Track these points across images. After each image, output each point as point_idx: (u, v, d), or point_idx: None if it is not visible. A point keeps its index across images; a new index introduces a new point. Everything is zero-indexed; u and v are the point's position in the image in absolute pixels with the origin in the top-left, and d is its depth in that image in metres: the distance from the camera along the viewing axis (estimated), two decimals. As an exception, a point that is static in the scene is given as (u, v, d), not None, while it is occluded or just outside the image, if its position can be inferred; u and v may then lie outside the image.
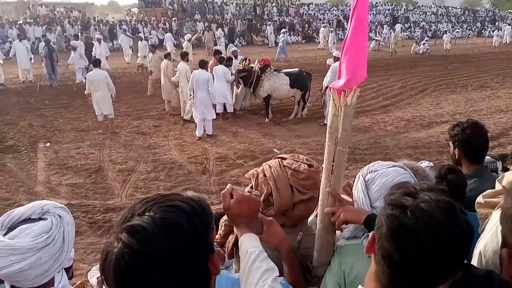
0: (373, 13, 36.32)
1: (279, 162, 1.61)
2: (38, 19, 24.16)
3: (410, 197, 0.96)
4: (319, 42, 27.60)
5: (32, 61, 14.20)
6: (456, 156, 2.57)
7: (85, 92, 9.15)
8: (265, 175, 1.57)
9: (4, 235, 1.20)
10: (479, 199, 1.51)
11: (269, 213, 1.50)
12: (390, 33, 25.73)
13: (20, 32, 18.98)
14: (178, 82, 10.11)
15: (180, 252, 0.85)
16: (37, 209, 1.25)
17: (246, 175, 1.67)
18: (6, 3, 38.77)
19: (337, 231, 1.46)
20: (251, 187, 1.61)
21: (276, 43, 24.28)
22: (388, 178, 1.38)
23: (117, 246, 0.83)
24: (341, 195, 1.43)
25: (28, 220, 1.23)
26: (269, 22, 28.18)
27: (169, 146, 8.54)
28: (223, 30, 24.40)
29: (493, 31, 30.56)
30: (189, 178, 6.96)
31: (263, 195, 1.52)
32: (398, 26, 34.89)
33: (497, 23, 42.80)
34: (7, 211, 4.24)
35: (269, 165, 1.61)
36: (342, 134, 1.31)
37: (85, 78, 12.86)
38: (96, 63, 9.31)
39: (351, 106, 1.30)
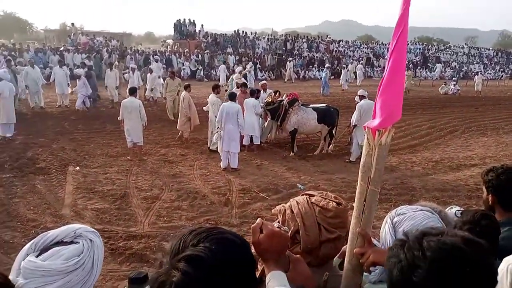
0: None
1: (307, 199, 1.59)
2: (78, 47, 25.32)
3: (432, 235, 1.00)
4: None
5: (70, 87, 14.81)
6: (490, 202, 2.49)
7: (118, 118, 9.43)
8: (292, 212, 1.55)
9: (37, 256, 1.22)
10: None
11: (295, 251, 1.47)
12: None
13: (61, 59, 19.90)
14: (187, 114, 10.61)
15: (235, 280, 0.91)
16: (70, 232, 1.28)
17: (273, 210, 1.66)
18: (49, 31, 41.05)
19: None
20: (278, 222, 1.59)
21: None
22: (416, 221, 1.38)
23: (176, 275, 0.87)
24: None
25: (60, 243, 1.26)
26: (289, 58, 28.25)
27: (194, 176, 8.60)
28: (254, 64, 24.88)
29: None
30: (211, 209, 6.94)
31: (290, 232, 1.49)
32: (438, 66, 34.95)
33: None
34: (33, 232, 4.31)
35: (296, 201, 1.60)
36: (375, 174, 1.30)
37: (84, 105, 13.62)
38: (132, 91, 9.62)
39: (385, 146, 1.28)
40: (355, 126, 9.85)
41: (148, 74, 16.40)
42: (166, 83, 13.65)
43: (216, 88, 10.42)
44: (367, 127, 1.33)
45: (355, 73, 28.08)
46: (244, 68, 19.73)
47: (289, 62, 27.08)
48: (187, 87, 11.12)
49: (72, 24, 33.39)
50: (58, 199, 7.10)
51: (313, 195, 1.62)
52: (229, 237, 0.98)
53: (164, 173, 8.65)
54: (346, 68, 25.14)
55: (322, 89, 21.28)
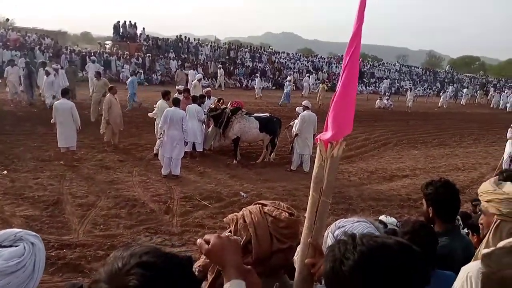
0: (338, 67, 37.91)
1: (259, 209, 1.59)
2: (8, 43, 23.66)
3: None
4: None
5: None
6: (430, 214, 2.62)
7: (51, 121, 8.91)
8: (245, 221, 1.54)
9: None
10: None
11: (247, 261, 1.47)
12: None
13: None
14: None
15: None
16: (10, 235, 1.23)
17: (224, 219, 1.64)
18: (-26, 25, 38.01)
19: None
20: (230, 232, 1.57)
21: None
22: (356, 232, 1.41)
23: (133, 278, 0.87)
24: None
25: None
26: (219, 66, 27.95)
27: (133, 182, 8.34)
28: (197, 70, 24.69)
29: (443, 93, 32.41)
30: (151, 217, 6.74)
31: (242, 241, 1.49)
32: (385, 82, 36.78)
33: (454, 85, 45.79)
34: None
35: (249, 211, 1.59)
36: (327, 185, 1.33)
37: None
38: (64, 92, 9.08)
39: (336, 158, 1.33)
40: (296, 135, 10.09)
41: (44, 77, 14.25)
42: (93, 83, 13.40)
43: (166, 95, 10.16)
44: (320, 139, 1.36)
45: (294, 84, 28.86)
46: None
47: (219, 69, 27.27)
48: (111, 89, 10.69)
49: (7, 19, 31.21)
50: (-18, 205, 6.56)
51: (265, 205, 1.62)
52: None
53: (100, 179, 8.30)
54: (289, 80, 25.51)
55: (282, 99, 21.27)
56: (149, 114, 10.51)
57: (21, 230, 1.28)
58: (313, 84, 30.53)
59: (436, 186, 2.59)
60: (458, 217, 3.89)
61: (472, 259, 1.78)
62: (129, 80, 15.79)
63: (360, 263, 0.97)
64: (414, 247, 1.04)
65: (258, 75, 27.10)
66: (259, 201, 1.68)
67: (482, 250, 1.77)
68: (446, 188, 2.58)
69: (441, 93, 32.63)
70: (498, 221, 1.74)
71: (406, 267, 0.97)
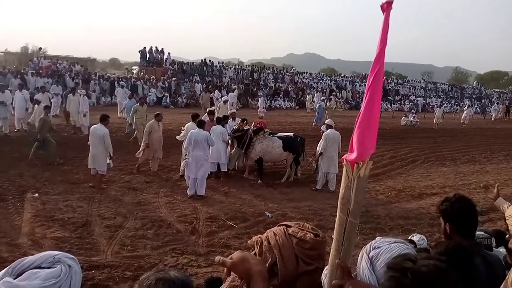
0: (362, 85, 37.72)
1: (284, 230, 1.58)
2: (40, 71, 24.67)
3: (410, 261, 1.05)
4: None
5: (29, 111, 14.33)
6: (448, 231, 2.57)
7: (88, 143, 9.19)
8: (269, 243, 1.53)
9: (14, 279, 1.20)
10: None
11: (273, 284, 1.46)
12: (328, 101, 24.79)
13: (22, 82, 19.29)
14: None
15: None
16: (49, 258, 1.27)
17: (249, 241, 1.64)
18: (9, 53, 39.86)
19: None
20: (254, 254, 1.57)
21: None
22: (392, 254, 1.38)
23: None
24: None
25: (38, 267, 1.25)
26: (233, 87, 27.60)
27: (159, 204, 8.43)
28: (221, 92, 25.05)
29: (466, 108, 31.59)
30: (177, 238, 6.79)
31: (267, 264, 1.48)
32: (419, 100, 36.58)
33: (482, 101, 44.69)
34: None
35: (273, 233, 1.58)
36: (354, 206, 1.32)
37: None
38: (102, 119, 9.23)
39: (363, 179, 1.32)
40: (320, 154, 10.04)
41: (36, 106, 13.95)
42: (135, 109, 13.44)
43: (196, 117, 10.20)
44: (346, 159, 1.36)
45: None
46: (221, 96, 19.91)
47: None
48: (157, 115, 10.78)
49: (40, 48, 32.62)
50: (15, 227, 6.77)
51: (290, 226, 1.61)
52: None
53: (128, 201, 8.44)
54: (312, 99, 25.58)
55: (315, 119, 21.33)
56: (177, 137, 10.60)
57: (59, 252, 1.32)
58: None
59: (451, 201, 2.56)
60: (492, 237, 3.74)
61: (502, 285, 1.71)
62: (127, 102, 15.92)
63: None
64: (452, 272, 1.05)
65: (261, 94, 26.69)
66: (283, 223, 1.67)
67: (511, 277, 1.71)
68: (461, 203, 2.54)
69: (464, 108, 31.77)
70: None
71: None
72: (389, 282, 1.04)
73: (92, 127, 9.35)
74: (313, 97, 29.49)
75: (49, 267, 1.25)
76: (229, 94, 22.53)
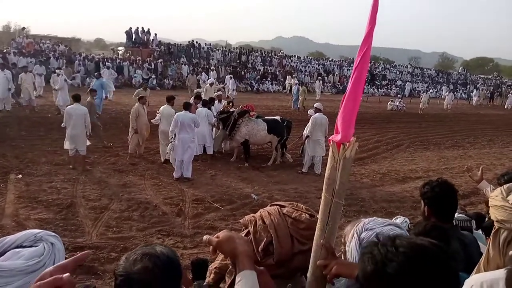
0: (350, 69, 37.77)
1: (278, 210, 1.58)
2: (23, 50, 24.08)
3: (390, 239, 1.08)
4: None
5: (11, 91, 14.04)
6: (426, 214, 2.63)
7: (62, 125, 9.03)
8: (264, 222, 1.53)
9: None
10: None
11: (269, 263, 1.47)
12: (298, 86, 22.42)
13: (4, 62, 18.83)
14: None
15: None
16: (30, 236, 1.26)
17: (241, 220, 1.64)
18: (-10, 32, 38.82)
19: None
20: (248, 233, 1.57)
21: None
22: None
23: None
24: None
25: (20, 246, 1.23)
26: (230, 75, 25.59)
27: (145, 186, 8.40)
28: (208, 75, 24.83)
29: (448, 93, 31.73)
30: (163, 219, 6.79)
31: (262, 243, 1.49)
32: (408, 85, 36.60)
33: (468, 86, 45.20)
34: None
35: (268, 212, 1.58)
36: (340, 186, 1.33)
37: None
38: (77, 98, 9.15)
39: (349, 159, 1.32)
40: (307, 137, 10.07)
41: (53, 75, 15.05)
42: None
43: (171, 100, 10.14)
44: (332, 140, 1.36)
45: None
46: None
47: (230, 78, 24.50)
48: (140, 99, 10.36)
49: (23, 28, 31.72)
50: (-2, 209, 6.66)
51: (284, 206, 1.61)
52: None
53: (113, 183, 8.38)
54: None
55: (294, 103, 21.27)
56: (152, 121, 10.38)
57: (41, 230, 1.30)
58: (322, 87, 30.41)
59: (432, 185, 2.61)
60: (473, 219, 3.83)
61: (475, 270, 1.76)
62: (95, 82, 14.94)
63: (405, 265, 1.00)
64: (445, 247, 1.07)
65: (231, 76, 24.56)
66: (276, 203, 1.67)
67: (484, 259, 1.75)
68: (442, 187, 2.59)
69: (446, 94, 31.91)
70: (496, 227, 1.72)
71: (443, 266, 1.01)
72: (363, 260, 1.08)
73: (69, 107, 9.12)
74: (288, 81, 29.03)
75: (31, 246, 1.24)
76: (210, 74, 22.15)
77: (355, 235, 1.44)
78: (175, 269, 1.25)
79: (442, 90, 38.58)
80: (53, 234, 1.32)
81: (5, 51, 23.19)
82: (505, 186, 1.81)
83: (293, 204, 1.63)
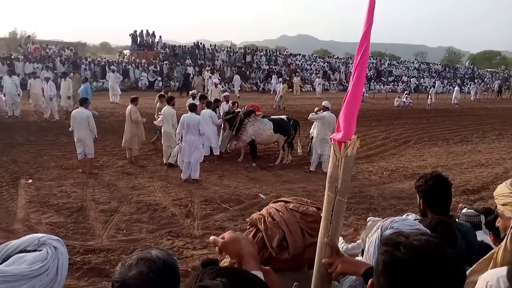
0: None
1: (285, 206, 1.60)
2: (29, 56, 24.33)
3: (403, 236, 1.09)
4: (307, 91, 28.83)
5: (20, 97, 14.21)
6: (421, 207, 2.66)
7: (69, 129, 9.15)
8: (273, 219, 1.56)
9: None
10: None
11: (284, 257, 1.49)
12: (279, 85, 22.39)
13: (11, 68, 19.07)
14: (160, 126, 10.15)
15: None
16: (33, 240, 1.26)
17: (248, 219, 1.65)
18: (-3, 39, 39.20)
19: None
20: (260, 232, 1.58)
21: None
22: None
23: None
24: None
25: (23, 251, 1.24)
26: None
27: (154, 188, 8.45)
28: (213, 75, 24.87)
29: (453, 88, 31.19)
30: (173, 221, 6.82)
31: (276, 240, 1.51)
32: (413, 80, 36.01)
33: (475, 81, 44.80)
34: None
35: (275, 209, 1.60)
36: (342, 185, 1.34)
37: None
38: (82, 101, 9.26)
39: (351, 158, 1.34)
40: (312, 137, 10.07)
41: (63, 80, 15.04)
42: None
43: (171, 100, 10.25)
44: (333, 139, 1.38)
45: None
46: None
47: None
48: (133, 100, 10.14)
49: (28, 36, 32.00)
50: (10, 213, 6.76)
51: (289, 202, 1.64)
52: (249, 278, 1.00)
53: (122, 186, 8.44)
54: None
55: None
56: (154, 122, 10.42)
57: (44, 235, 1.31)
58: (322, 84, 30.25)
59: (426, 178, 2.63)
60: (482, 214, 3.80)
61: (491, 265, 1.76)
62: (81, 87, 14.28)
63: (416, 260, 1.03)
64: (442, 243, 1.09)
65: (238, 75, 26.19)
66: (280, 199, 1.69)
67: (501, 256, 1.75)
68: (436, 181, 2.60)
69: (452, 89, 31.45)
70: None
71: (452, 261, 1.04)
72: (383, 256, 1.08)
73: (74, 111, 9.28)
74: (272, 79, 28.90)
75: (34, 250, 1.25)
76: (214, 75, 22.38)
77: (379, 230, 1.45)
78: (171, 273, 1.26)
79: (452, 85, 38.15)
80: (56, 238, 1.32)
81: (13, 57, 23.47)
82: (508, 182, 1.81)
83: (297, 198, 1.65)
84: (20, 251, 1.23)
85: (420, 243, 1.05)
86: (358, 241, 3.54)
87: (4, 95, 14.17)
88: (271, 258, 1.49)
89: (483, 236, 3.25)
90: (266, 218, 1.57)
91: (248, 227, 1.64)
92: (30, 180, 8.32)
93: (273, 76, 29.43)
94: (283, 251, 1.50)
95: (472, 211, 3.82)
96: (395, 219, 1.50)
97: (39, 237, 1.28)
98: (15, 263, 1.19)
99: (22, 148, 10.73)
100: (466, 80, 45.69)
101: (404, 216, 4.23)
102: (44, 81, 14.81)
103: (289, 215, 1.55)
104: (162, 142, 10.21)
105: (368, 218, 2.22)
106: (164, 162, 10.16)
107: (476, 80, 44.67)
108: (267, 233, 1.53)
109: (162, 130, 10.07)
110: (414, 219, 4.00)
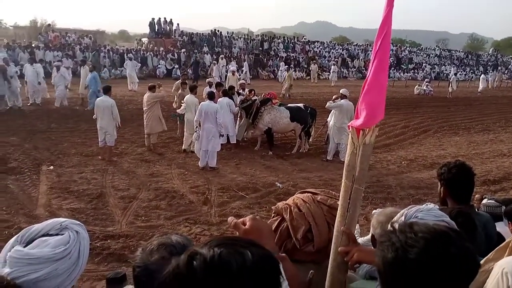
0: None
1: (312, 198, 1.59)
2: (50, 44, 24.68)
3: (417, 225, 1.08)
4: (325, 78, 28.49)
5: (41, 85, 14.44)
6: (442, 194, 2.64)
7: (93, 117, 9.28)
8: (300, 210, 1.55)
9: (24, 247, 1.23)
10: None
11: (308, 250, 1.49)
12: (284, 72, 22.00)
13: (31, 56, 19.38)
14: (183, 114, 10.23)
15: None
16: (56, 225, 1.29)
17: (273, 207, 1.64)
18: (19, 28, 39.82)
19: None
20: (281, 221, 1.58)
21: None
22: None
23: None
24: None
25: (46, 235, 1.27)
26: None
27: (172, 175, 8.54)
28: (230, 63, 24.84)
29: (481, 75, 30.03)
30: (190, 208, 6.91)
31: (301, 231, 1.50)
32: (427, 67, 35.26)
33: (499, 68, 43.56)
34: (6, 233, 4.21)
35: (302, 200, 1.58)
36: (360, 173, 1.32)
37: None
38: (106, 90, 9.39)
39: (369, 145, 1.32)
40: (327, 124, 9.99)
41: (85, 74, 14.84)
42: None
43: (194, 89, 10.26)
44: (351, 126, 1.36)
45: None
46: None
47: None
48: (151, 88, 10.23)
49: (49, 24, 32.40)
50: (32, 199, 6.93)
51: (316, 193, 1.62)
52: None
53: (141, 173, 8.56)
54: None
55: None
56: (178, 111, 10.53)
57: (66, 219, 1.34)
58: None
59: (449, 166, 2.59)
60: (503, 205, 3.73)
61: (506, 253, 1.73)
62: (89, 76, 13.88)
63: (427, 250, 1.00)
64: (461, 232, 1.08)
65: (246, 60, 25.91)
66: (307, 190, 1.68)
67: None
68: (460, 169, 2.57)
69: (481, 77, 30.42)
70: None
71: (462, 250, 1.01)
72: (382, 249, 1.08)
73: (98, 99, 9.44)
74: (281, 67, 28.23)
75: (57, 234, 1.27)
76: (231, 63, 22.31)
77: (403, 218, 1.43)
78: None
79: (475, 73, 36.96)
80: (78, 222, 1.35)
81: (34, 46, 23.83)
82: None
83: (324, 191, 1.64)
84: (43, 235, 1.26)
85: (427, 227, 1.05)
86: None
87: (26, 83, 14.40)
88: (294, 249, 1.49)
89: (503, 227, 3.19)
90: (292, 208, 1.56)
91: (273, 215, 1.63)
92: (52, 167, 8.51)
93: (280, 63, 29.12)
94: (307, 243, 1.49)
95: (493, 201, 3.76)
96: (420, 207, 1.47)
97: (61, 222, 1.31)
98: (38, 246, 1.22)
99: (43, 135, 10.95)
100: (489, 67, 44.45)
101: (422, 206, 4.19)
102: (55, 68, 15.03)
103: (316, 208, 1.54)
104: (184, 130, 10.30)
105: (373, 212, 2.19)
106: (183, 148, 10.24)
107: (499, 68, 43.49)
108: (293, 223, 1.52)
109: (185, 118, 10.13)
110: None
